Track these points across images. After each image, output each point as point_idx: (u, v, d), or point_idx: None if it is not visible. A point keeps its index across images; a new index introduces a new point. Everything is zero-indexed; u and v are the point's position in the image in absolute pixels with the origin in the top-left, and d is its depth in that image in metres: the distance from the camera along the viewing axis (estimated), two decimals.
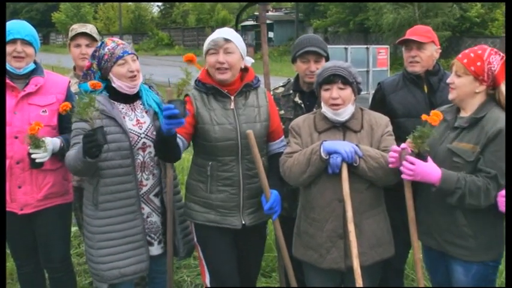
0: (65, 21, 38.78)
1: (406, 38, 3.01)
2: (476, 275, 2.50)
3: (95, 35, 3.58)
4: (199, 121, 2.69)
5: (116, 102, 2.76)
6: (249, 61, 2.83)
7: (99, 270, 2.74)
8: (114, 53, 2.67)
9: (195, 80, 2.76)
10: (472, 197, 2.36)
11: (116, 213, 2.72)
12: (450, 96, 2.55)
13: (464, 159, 2.43)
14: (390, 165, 2.48)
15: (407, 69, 3.07)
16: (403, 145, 2.45)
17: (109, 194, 2.70)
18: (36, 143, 2.66)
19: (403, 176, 2.45)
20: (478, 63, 2.44)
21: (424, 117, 2.40)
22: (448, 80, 2.53)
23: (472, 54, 2.47)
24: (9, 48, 2.83)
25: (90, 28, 3.62)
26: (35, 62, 2.97)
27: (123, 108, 2.78)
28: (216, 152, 2.69)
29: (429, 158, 2.44)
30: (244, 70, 2.82)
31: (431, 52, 3.01)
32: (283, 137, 2.93)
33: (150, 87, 2.91)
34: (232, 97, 2.74)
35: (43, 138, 2.70)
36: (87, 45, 3.54)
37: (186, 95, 2.71)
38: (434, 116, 2.38)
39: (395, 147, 2.48)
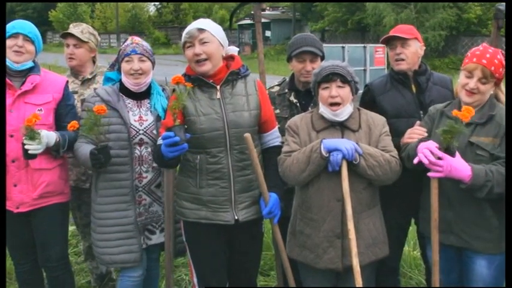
0: (61, 20, 38.67)
1: (390, 35, 3.02)
2: (498, 267, 2.50)
3: (86, 34, 3.57)
4: (185, 114, 2.62)
5: (124, 96, 2.87)
6: (233, 50, 2.78)
7: (97, 253, 2.94)
8: (124, 50, 2.83)
9: (184, 75, 2.71)
10: (499, 186, 2.35)
11: (110, 201, 2.83)
12: (469, 100, 2.52)
13: (488, 151, 2.45)
14: (426, 164, 2.39)
15: (393, 68, 3.07)
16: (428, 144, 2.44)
17: (106, 182, 2.83)
18: (31, 135, 2.68)
19: (430, 173, 2.41)
20: (501, 69, 2.51)
21: (455, 112, 2.36)
22: (472, 86, 2.50)
23: (496, 61, 2.49)
24: (10, 43, 2.86)
25: (82, 28, 3.62)
26: (33, 62, 2.97)
27: (129, 103, 2.88)
28: (204, 144, 2.60)
29: (457, 154, 2.38)
30: (231, 58, 2.75)
31: (415, 49, 3.01)
32: (276, 128, 2.86)
33: (163, 90, 2.95)
34: (218, 86, 2.66)
35: (39, 131, 2.72)
36: (74, 46, 3.57)
37: (174, 90, 2.63)
38: (466, 112, 2.32)
39: (427, 144, 2.42)
